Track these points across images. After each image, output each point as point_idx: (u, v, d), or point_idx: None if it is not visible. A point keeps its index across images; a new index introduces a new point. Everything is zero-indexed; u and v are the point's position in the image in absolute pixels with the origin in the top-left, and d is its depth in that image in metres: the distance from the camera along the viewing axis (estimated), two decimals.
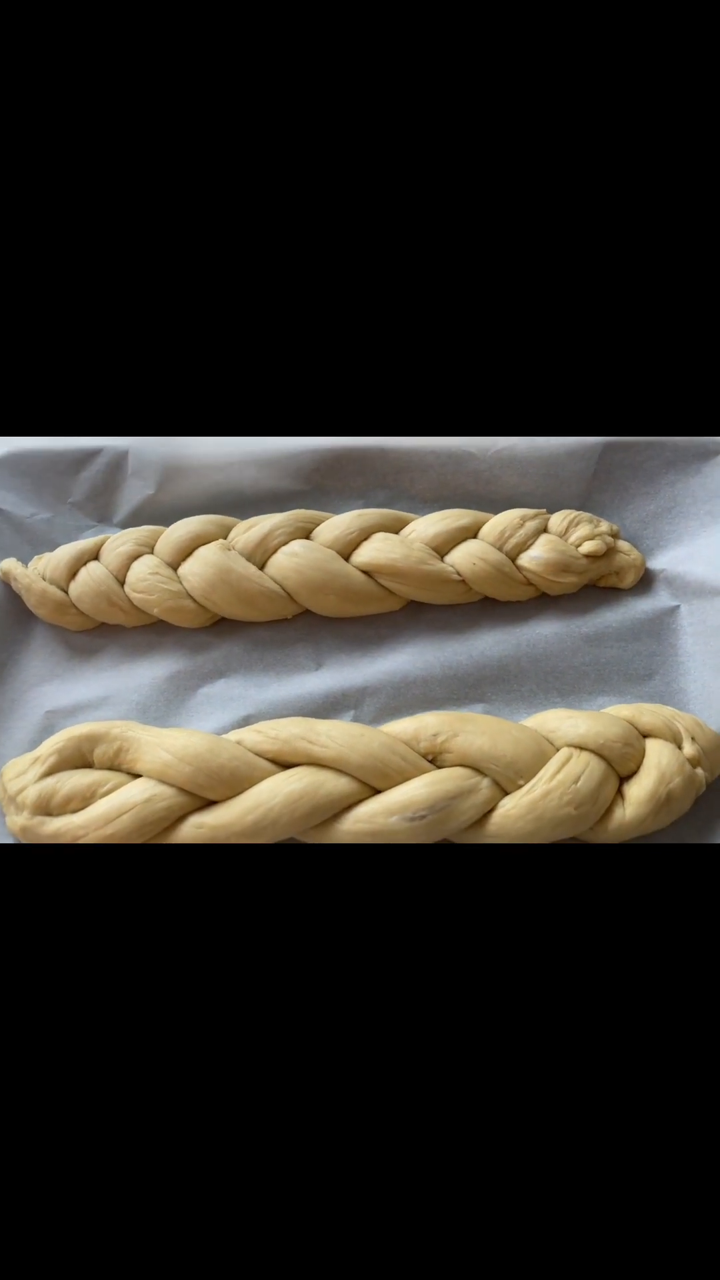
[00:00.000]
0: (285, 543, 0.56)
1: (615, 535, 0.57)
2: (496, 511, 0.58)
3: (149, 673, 0.56)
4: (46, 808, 0.48)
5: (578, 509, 0.59)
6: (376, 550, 0.55)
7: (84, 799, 0.48)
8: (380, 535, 0.56)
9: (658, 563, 0.58)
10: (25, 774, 0.49)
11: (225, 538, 0.57)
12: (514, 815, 0.46)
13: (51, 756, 0.49)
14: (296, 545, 0.56)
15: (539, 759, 0.47)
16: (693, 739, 0.48)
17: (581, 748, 0.47)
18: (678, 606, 0.56)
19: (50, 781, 0.49)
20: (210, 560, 0.55)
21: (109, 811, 0.47)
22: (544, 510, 0.58)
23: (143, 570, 0.56)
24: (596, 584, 0.57)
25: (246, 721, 0.53)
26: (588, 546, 0.56)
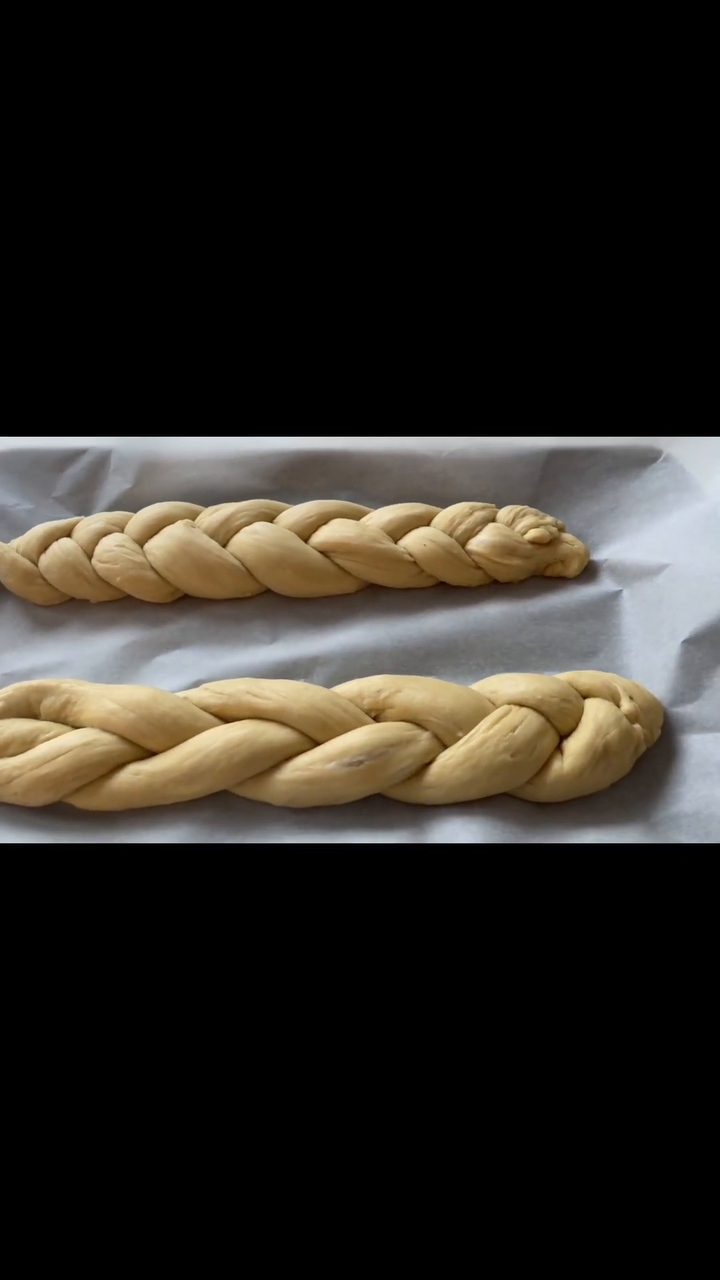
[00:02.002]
0: (248, 524, 0.60)
1: (560, 529, 0.60)
2: None
3: (107, 642, 0.58)
4: None
5: None
6: (333, 531, 0.59)
7: (24, 744, 0.48)
8: (338, 519, 0.60)
9: (601, 555, 0.61)
10: None
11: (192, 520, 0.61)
12: (451, 764, 0.46)
13: None
14: (258, 525, 0.59)
15: (478, 713, 0.48)
16: (630, 698, 0.48)
17: (520, 704, 0.48)
18: (620, 591, 0.58)
19: None
20: (174, 535, 0.58)
21: (46, 753, 0.47)
22: (492, 504, 0.62)
23: (110, 544, 0.59)
24: (544, 574, 0.60)
25: (196, 686, 0.54)
26: (532, 534, 0.59)
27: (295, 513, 0.60)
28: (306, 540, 0.59)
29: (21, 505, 0.66)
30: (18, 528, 0.65)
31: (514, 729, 0.46)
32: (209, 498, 0.65)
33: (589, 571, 0.60)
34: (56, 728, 0.49)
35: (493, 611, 0.57)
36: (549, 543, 0.59)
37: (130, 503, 0.66)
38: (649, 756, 0.48)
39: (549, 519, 0.60)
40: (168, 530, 0.59)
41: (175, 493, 0.65)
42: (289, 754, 0.47)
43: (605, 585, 0.59)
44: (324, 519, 0.60)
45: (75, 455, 0.67)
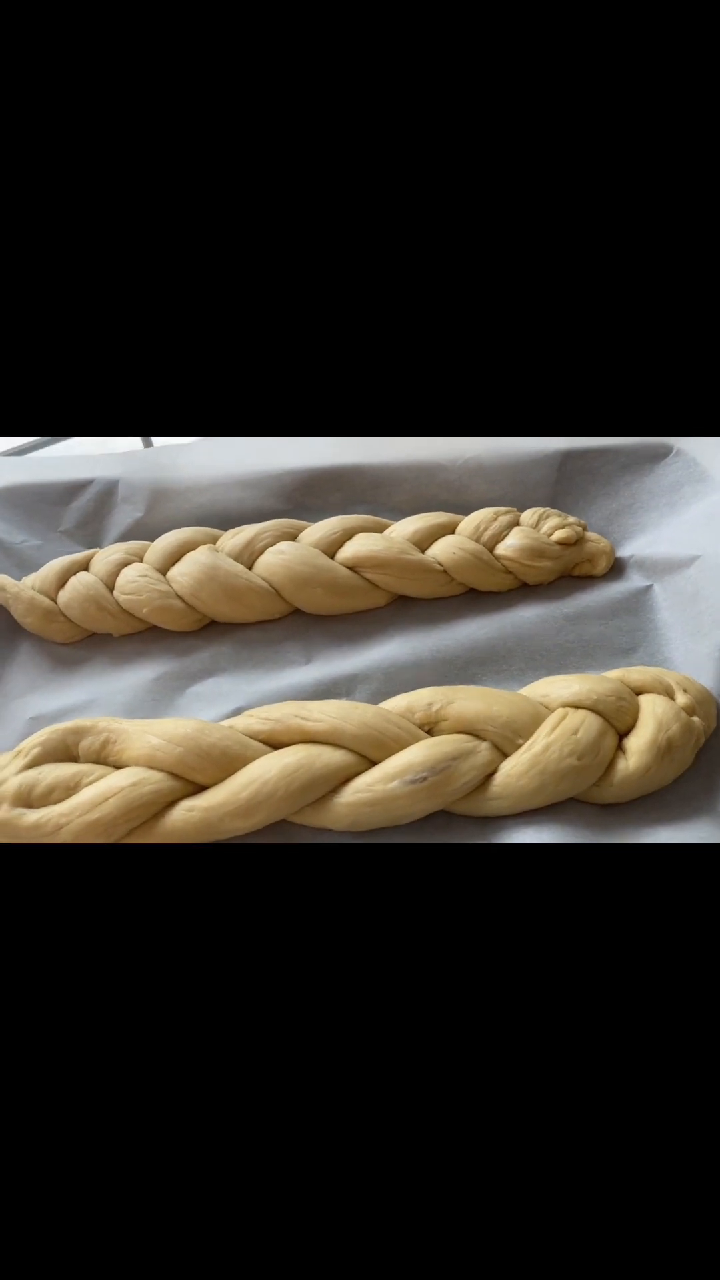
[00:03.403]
0: (272, 544, 0.58)
1: (584, 528, 0.60)
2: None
3: (136, 676, 0.56)
4: (27, 799, 0.46)
5: None
6: (360, 545, 0.58)
7: (67, 789, 0.46)
8: (363, 534, 0.59)
9: (625, 551, 0.61)
10: (6, 768, 0.47)
11: (212, 544, 0.59)
12: (516, 773, 0.45)
13: (34, 749, 0.47)
14: (283, 545, 0.58)
15: (535, 720, 0.47)
16: (684, 691, 0.48)
17: (576, 706, 0.47)
18: (651, 585, 0.58)
19: (31, 774, 0.46)
20: (199, 560, 0.57)
21: (94, 798, 0.45)
22: (514, 509, 0.62)
23: (132, 574, 0.57)
24: (571, 573, 0.60)
25: (238, 713, 0.52)
26: (559, 534, 0.59)
27: (318, 530, 0.59)
28: (332, 557, 0.58)
29: (29, 542, 0.64)
30: (27, 565, 0.63)
31: (576, 732, 0.45)
32: (223, 521, 0.64)
33: (615, 569, 0.60)
34: (100, 769, 0.47)
35: (527, 615, 0.57)
36: (575, 543, 0.59)
37: (142, 531, 0.64)
38: (707, 748, 0.48)
39: (572, 519, 0.60)
40: (190, 556, 0.58)
41: (188, 518, 0.64)
42: (346, 776, 0.46)
43: (634, 581, 0.59)
44: (348, 534, 0.59)
45: (81, 487, 0.65)
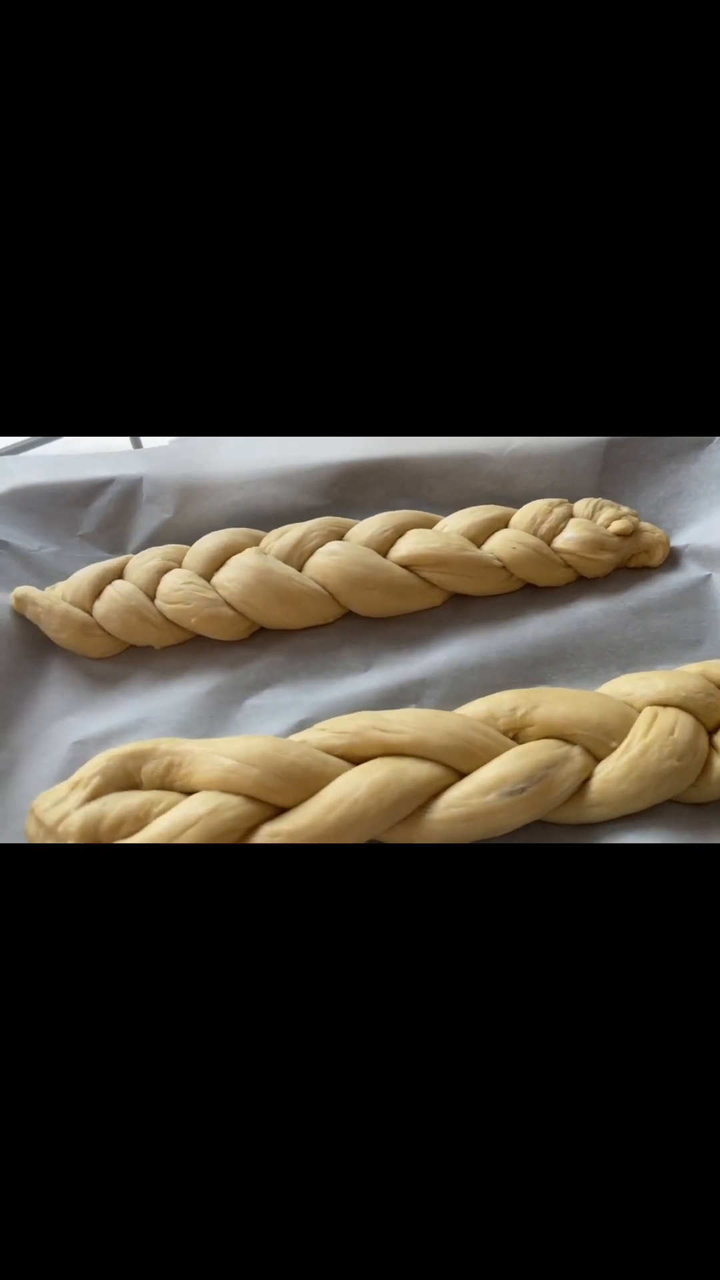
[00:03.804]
0: (321, 544, 0.55)
1: (637, 518, 0.59)
2: (517, 509, 0.59)
3: (186, 691, 0.52)
4: (94, 835, 0.42)
5: None
6: (415, 543, 0.55)
7: (137, 820, 0.42)
8: (415, 530, 0.56)
9: (678, 541, 0.60)
10: (65, 801, 0.43)
11: (256, 546, 0.56)
12: (615, 778, 0.43)
13: (95, 778, 0.43)
14: (334, 545, 0.55)
15: (624, 721, 0.45)
16: None
17: (665, 704, 0.46)
18: (709, 575, 0.57)
19: (95, 806, 0.43)
20: (248, 564, 0.53)
21: (171, 828, 0.41)
22: (566, 500, 0.60)
23: (175, 581, 0.53)
24: (627, 565, 0.59)
25: (303, 726, 0.49)
26: (617, 525, 0.57)
27: (368, 527, 0.56)
28: (384, 555, 0.55)
29: (46, 548, 0.59)
30: (47, 574, 0.58)
31: (672, 731, 0.44)
32: (258, 520, 0.60)
33: (670, 559, 0.59)
34: (169, 796, 0.43)
35: (590, 610, 0.55)
36: (632, 533, 0.57)
37: (172, 533, 0.60)
38: None
39: (626, 509, 0.59)
40: (236, 560, 0.54)
41: (221, 518, 0.60)
42: (436, 790, 0.44)
43: (691, 571, 0.58)
44: (399, 531, 0.56)
45: (101, 486, 0.60)
